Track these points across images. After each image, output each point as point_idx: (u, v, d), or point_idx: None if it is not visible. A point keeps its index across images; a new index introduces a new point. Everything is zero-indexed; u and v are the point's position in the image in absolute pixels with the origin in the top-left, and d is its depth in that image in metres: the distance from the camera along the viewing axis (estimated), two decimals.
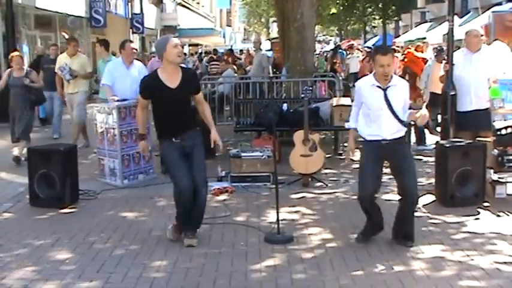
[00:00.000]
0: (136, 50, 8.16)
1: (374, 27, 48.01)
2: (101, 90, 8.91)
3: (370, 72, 4.91)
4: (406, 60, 13.69)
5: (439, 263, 4.41)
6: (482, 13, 18.37)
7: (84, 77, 9.66)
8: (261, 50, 14.05)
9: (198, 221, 4.94)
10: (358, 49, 24.46)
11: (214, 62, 17.57)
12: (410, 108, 4.82)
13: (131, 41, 8.28)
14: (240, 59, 21.64)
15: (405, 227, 4.79)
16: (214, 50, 25.73)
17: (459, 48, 7.61)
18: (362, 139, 4.85)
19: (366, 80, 4.79)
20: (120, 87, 7.47)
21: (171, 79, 4.71)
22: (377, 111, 4.63)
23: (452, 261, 4.44)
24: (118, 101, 7.16)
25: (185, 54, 23.60)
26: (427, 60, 13.18)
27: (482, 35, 6.97)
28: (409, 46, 14.44)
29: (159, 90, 4.70)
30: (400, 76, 13.02)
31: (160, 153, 5.24)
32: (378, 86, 4.62)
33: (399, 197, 4.82)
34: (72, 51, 9.56)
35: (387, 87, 4.61)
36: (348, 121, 5.10)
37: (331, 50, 23.54)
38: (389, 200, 6.04)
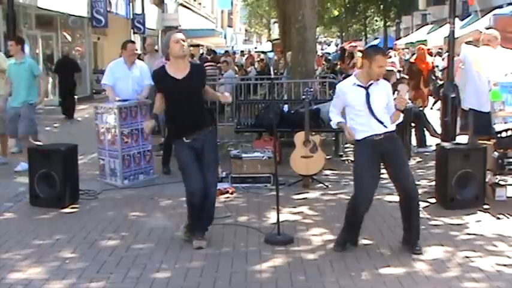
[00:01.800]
0: (137, 50, 8.08)
1: (375, 29, 48.07)
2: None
3: None
4: (415, 57, 13.44)
5: (439, 265, 4.41)
6: (483, 16, 18.37)
7: None
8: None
9: (207, 222, 4.93)
10: (360, 51, 24.45)
11: (209, 63, 17.32)
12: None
13: (133, 42, 8.19)
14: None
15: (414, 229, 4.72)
16: (209, 50, 25.56)
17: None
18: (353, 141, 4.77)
19: (347, 81, 4.78)
20: (121, 88, 7.46)
21: (178, 72, 4.75)
22: (361, 110, 4.58)
23: (453, 263, 4.45)
24: (119, 101, 7.18)
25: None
26: (431, 65, 13.07)
27: (496, 37, 6.97)
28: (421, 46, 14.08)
29: (166, 82, 4.74)
30: (405, 75, 12.93)
31: (175, 154, 5.19)
32: (359, 85, 4.60)
33: (400, 198, 4.77)
34: None
35: (369, 85, 4.58)
36: (330, 120, 4.92)
37: (337, 51, 23.39)
38: (390, 202, 6.05)
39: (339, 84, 4.90)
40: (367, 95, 4.57)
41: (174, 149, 5.05)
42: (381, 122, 4.57)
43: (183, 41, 4.73)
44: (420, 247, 4.65)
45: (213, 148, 4.87)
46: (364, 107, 4.58)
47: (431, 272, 4.28)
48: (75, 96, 15.00)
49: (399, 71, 12.52)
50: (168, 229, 5.30)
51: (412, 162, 8.27)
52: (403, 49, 28.18)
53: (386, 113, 4.63)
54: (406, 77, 10.85)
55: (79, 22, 19.86)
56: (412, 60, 13.64)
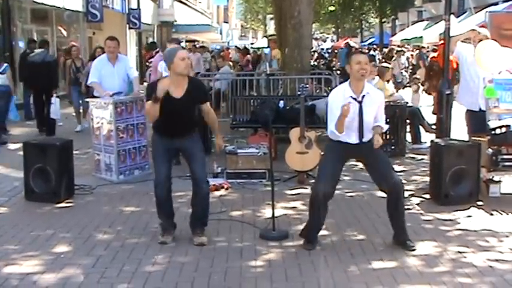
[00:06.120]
0: (115, 47, 7.58)
1: (371, 26, 48.06)
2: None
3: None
4: (436, 54, 13.07)
5: (432, 260, 4.44)
6: (476, 12, 18.39)
7: None
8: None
9: (202, 217, 4.92)
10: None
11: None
12: None
13: (112, 38, 7.77)
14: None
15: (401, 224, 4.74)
16: (202, 47, 25.46)
17: None
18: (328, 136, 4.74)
19: (340, 91, 4.64)
20: (107, 85, 7.42)
21: (177, 89, 4.66)
22: (349, 123, 4.53)
23: (445, 258, 4.48)
24: (114, 94, 7.18)
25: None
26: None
27: (487, 37, 7.04)
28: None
29: (163, 100, 4.58)
30: (424, 75, 12.56)
31: (151, 142, 5.17)
32: (353, 98, 4.52)
33: (386, 194, 4.74)
34: None
35: (362, 98, 4.53)
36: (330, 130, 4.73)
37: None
38: (384, 197, 6.07)
39: (330, 96, 4.75)
40: (360, 109, 4.53)
41: (152, 137, 5.00)
42: (361, 136, 4.57)
43: (188, 58, 4.68)
44: (412, 243, 4.67)
45: (198, 144, 4.83)
46: (354, 119, 4.53)
47: (425, 266, 4.31)
48: None
49: (405, 71, 12.07)
50: None
51: (406, 158, 8.32)
52: (399, 46, 28.15)
53: (372, 124, 4.61)
54: (418, 77, 10.52)
55: (74, 16, 19.78)
56: (433, 57, 13.22)
